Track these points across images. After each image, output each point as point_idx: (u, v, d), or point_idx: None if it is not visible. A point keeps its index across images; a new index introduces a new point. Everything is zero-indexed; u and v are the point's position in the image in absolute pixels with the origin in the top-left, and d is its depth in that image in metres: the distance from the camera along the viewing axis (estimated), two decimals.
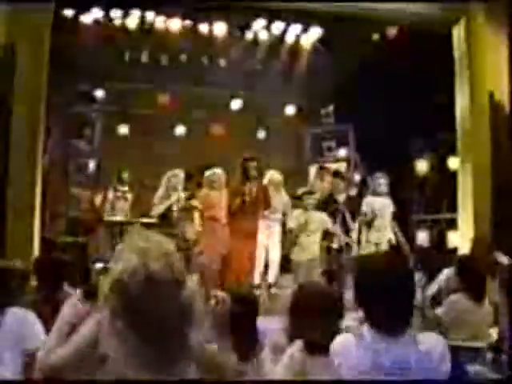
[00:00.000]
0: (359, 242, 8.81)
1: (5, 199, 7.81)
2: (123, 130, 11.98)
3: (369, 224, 8.79)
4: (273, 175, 9.18)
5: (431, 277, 9.70)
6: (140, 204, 10.24)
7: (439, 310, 5.47)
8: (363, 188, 9.63)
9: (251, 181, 8.29)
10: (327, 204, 8.92)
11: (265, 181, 9.02)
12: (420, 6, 9.14)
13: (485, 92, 9.36)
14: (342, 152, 12.17)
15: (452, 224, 9.97)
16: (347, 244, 8.90)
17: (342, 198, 9.04)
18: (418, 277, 9.24)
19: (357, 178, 11.90)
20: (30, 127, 8.23)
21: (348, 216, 8.96)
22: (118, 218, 9.69)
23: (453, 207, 9.93)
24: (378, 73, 10.39)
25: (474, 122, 9.51)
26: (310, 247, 8.62)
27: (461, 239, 9.75)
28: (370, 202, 8.83)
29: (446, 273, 6.50)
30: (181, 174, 8.88)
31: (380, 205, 8.82)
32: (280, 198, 8.92)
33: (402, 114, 10.49)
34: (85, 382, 4.43)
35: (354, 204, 9.14)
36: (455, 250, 9.78)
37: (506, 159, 9.35)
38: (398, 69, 10.02)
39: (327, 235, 8.85)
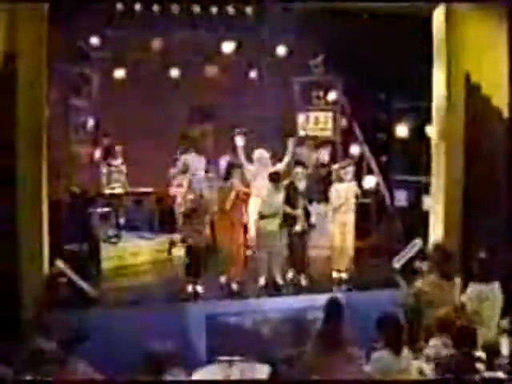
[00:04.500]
0: None
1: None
2: (120, 73, 12.33)
3: (335, 208, 9.70)
4: (261, 153, 10.02)
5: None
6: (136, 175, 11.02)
7: (368, 368, 6.05)
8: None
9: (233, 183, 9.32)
10: (288, 191, 9.62)
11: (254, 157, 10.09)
12: None
13: (461, 72, 9.82)
14: (331, 95, 12.59)
15: (428, 187, 10.66)
16: (310, 226, 9.71)
17: (302, 185, 9.73)
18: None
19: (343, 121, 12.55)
20: (35, 90, 8.72)
21: (307, 202, 9.67)
22: (116, 190, 10.47)
23: (428, 171, 10.65)
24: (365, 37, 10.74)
25: (450, 101, 10.03)
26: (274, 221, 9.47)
27: (433, 203, 10.57)
28: (336, 190, 9.78)
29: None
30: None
31: (346, 191, 9.74)
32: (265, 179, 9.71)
33: (386, 80, 11.00)
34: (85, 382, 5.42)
35: (314, 190, 9.97)
36: (427, 213, 10.57)
37: (478, 134, 9.97)
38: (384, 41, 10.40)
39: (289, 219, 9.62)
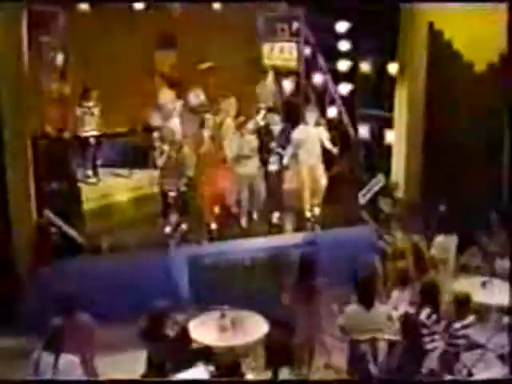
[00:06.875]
0: None
1: None
2: (85, 7, 12.16)
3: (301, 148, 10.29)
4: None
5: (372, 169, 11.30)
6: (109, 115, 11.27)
7: (340, 320, 6.77)
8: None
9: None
10: (262, 135, 10.36)
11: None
12: None
13: (424, 22, 10.29)
14: (295, 25, 12.77)
15: (390, 122, 11.21)
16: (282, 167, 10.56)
17: (276, 129, 10.53)
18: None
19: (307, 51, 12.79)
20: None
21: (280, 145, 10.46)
22: (90, 132, 10.77)
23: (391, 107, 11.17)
24: None
25: (414, 43, 10.52)
26: (249, 164, 10.13)
27: (395, 138, 11.16)
28: (299, 131, 10.38)
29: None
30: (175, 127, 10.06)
31: (309, 133, 10.31)
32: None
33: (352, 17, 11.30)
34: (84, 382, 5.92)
35: (286, 134, 10.63)
36: (389, 148, 11.17)
37: (440, 74, 10.52)
38: None
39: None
